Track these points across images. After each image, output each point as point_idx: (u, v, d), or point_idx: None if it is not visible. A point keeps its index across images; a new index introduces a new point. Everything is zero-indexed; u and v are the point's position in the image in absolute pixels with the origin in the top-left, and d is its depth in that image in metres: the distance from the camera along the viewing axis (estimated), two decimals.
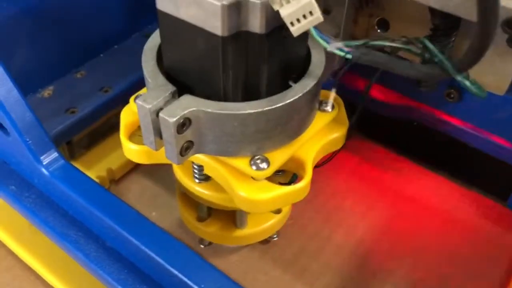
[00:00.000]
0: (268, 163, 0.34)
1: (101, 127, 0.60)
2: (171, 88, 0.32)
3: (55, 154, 0.45)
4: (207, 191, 0.41)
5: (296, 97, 0.32)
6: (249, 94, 0.32)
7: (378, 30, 0.40)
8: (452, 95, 0.49)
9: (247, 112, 0.31)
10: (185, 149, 0.32)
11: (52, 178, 0.44)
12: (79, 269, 0.45)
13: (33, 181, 0.47)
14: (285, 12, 0.27)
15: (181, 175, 0.43)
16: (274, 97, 0.32)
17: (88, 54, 0.63)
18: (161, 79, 0.33)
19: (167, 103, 0.32)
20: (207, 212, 0.46)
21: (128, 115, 0.40)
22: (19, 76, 0.43)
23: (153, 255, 0.38)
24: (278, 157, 0.34)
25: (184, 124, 0.31)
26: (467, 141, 0.53)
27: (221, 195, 0.41)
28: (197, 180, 0.42)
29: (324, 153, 0.39)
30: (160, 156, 0.37)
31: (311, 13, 0.27)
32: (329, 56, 0.34)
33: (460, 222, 0.55)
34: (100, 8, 0.61)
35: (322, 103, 0.38)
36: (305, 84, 0.33)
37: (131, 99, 0.39)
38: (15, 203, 0.47)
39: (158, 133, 0.32)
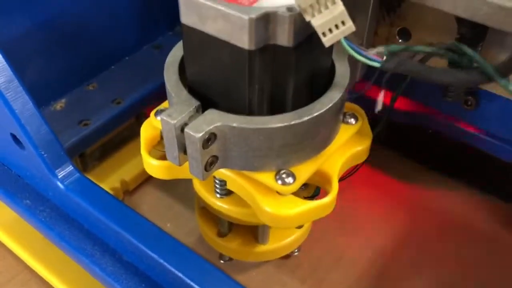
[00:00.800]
0: (294, 178, 0.33)
1: (114, 139, 0.60)
2: (195, 102, 0.32)
3: (70, 168, 0.44)
4: (228, 206, 0.41)
5: (323, 110, 0.32)
6: (275, 107, 0.32)
7: (400, 40, 0.40)
8: (469, 102, 0.48)
9: (274, 126, 0.31)
10: (210, 164, 0.32)
11: (68, 192, 0.43)
12: (95, 283, 0.44)
13: (47, 194, 0.47)
14: (317, 22, 0.27)
15: (201, 190, 0.42)
16: (301, 111, 0.32)
17: (100, 66, 0.62)
18: (185, 93, 0.33)
19: (191, 118, 0.31)
20: (228, 227, 0.45)
21: (148, 129, 0.39)
22: (31, 89, 0.43)
23: (172, 269, 0.38)
24: (304, 171, 0.34)
25: (209, 139, 0.31)
26: (483, 148, 0.52)
27: (243, 210, 0.40)
28: (218, 195, 0.41)
29: (349, 166, 0.38)
30: (183, 172, 0.37)
31: (343, 23, 0.27)
32: (352, 67, 0.34)
33: (479, 231, 0.54)
34: (112, 21, 0.61)
35: (346, 115, 0.37)
36: (332, 97, 0.33)
37: (152, 113, 0.39)
38: (30, 217, 0.46)
39: (182, 149, 0.32)
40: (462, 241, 0.53)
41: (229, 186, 0.37)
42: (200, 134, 0.30)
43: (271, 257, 0.47)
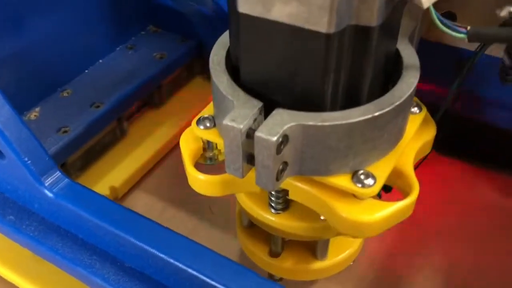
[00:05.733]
0: (374, 178, 0.29)
1: (95, 146, 0.56)
2: (257, 103, 0.28)
3: (57, 173, 0.41)
4: (286, 221, 0.36)
5: (405, 97, 0.29)
6: (349, 100, 0.29)
7: None
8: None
9: (355, 120, 0.28)
10: (281, 172, 0.29)
11: (58, 200, 0.40)
12: None
13: (33, 207, 0.43)
14: None
15: (252, 206, 0.38)
16: (380, 101, 0.29)
17: (73, 71, 0.59)
18: (242, 94, 0.29)
19: (256, 121, 0.28)
20: (282, 245, 0.41)
21: (189, 141, 0.36)
22: None
23: (186, 268, 0.34)
24: (383, 170, 0.30)
25: (281, 143, 0.27)
26: None
27: (304, 225, 0.36)
28: (273, 210, 0.37)
29: (416, 161, 0.35)
30: (238, 186, 0.34)
31: None
32: None
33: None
34: (82, 24, 0.58)
35: None
36: (409, 81, 0.30)
37: (193, 122, 0.34)
38: (16, 234, 0.42)
39: (246, 157, 0.29)
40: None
41: (294, 196, 0.33)
42: (275, 138, 0.26)
43: (329, 273, 0.42)
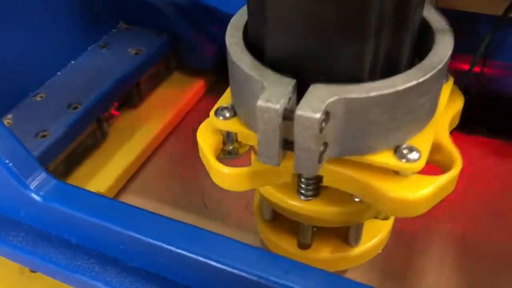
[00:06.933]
0: (418, 152, 0.28)
1: (77, 150, 0.53)
2: (290, 81, 0.26)
3: (43, 174, 0.37)
4: (320, 208, 0.34)
5: (445, 60, 0.27)
6: (388, 69, 0.27)
7: None
8: None
9: (401, 88, 0.26)
10: (321, 154, 0.26)
11: (47, 202, 0.36)
12: None
13: (18, 215, 0.39)
14: None
15: (279, 196, 0.35)
16: (421, 66, 0.27)
17: (43, 74, 0.55)
18: (272, 74, 0.27)
19: (290, 101, 0.26)
20: (311, 236, 0.38)
21: (208, 134, 0.33)
22: None
23: (197, 257, 0.32)
24: (425, 143, 0.28)
25: (323, 121, 0.25)
26: None
27: (338, 209, 0.34)
28: (303, 197, 0.34)
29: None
30: (269, 176, 0.31)
31: None
32: None
33: None
34: (50, 25, 0.55)
35: None
36: (445, 45, 0.28)
37: (211, 113, 0.32)
38: (3, 247, 0.38)
39: (282, 142, 0.26)
40: None
41: (329, 182, 0.31)
42: (318, 114, 0.24)
43: (363, 260, 0.40)
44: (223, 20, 0.33)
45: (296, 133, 0.25)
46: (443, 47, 0.28)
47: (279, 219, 0.39)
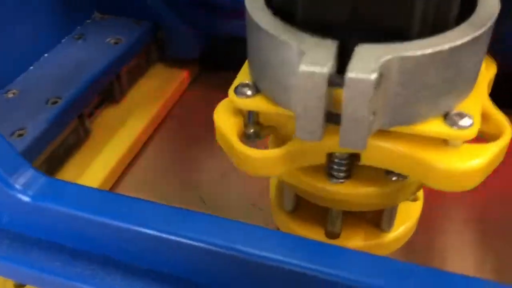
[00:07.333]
0: (470, 117, 0.25)
1: (58, 150, 0.48)
2: (332, 42, 0.23)
3: (31, 171, 0.32)
4: (355, 190, 0.30)
5: (495, 15, 0.24)
6: (436, 26, 0.24)
7: None
8: None
9: (458, 43, 0.23)
10: (370, 125, 0.23)
11: (37, 203, 0.31)
12: None
13: (0, 222, 0.34)
14: None
15: (308, 181, 0.31)
16: (472, 21, 0.24)
17: (14, 69, 0.50)
18: (308, 37, 0.23)
19: (334, 65, 0.22)
20: (341, 224, 0.35)
21: (227, 115, 0.29)
22: None
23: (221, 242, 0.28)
24: (475, 108, 0.25)
25: (377, 85, 0.22)
26: None
27: (375, 190, 0.30)
28: (335, 180, 0.30)
29: None
30: (303, 156, 0.28)
31: None
32: None
33: None
34: (21, 17, 0.50)
35: None
36: (494, 2, 0.25)
37: (230, 91, 0.28)
38: None
39: (325, 113, 0.23)
40: None
41: (368, 159, 0.28)
42: (374, 76, 0.21)
43: (396, 246, 0.36)
44: (208, 4, 0.29)
45: (345, 101, 0.22)
46: (491, 2, 0.26)
47: (302, 209, 0.36)
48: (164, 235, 0.29)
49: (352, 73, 0.21)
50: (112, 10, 0.59)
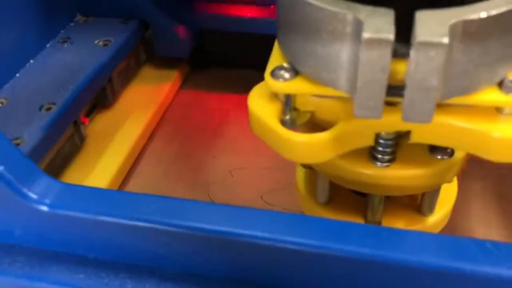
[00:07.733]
0: None
1: (55, 160, 0.45)
2: (388, 11, 0.21)
3: (45, 178, 0.30)
4: (403, 172, 0.29)
5: None
6: None
7: None
8: None
9: None
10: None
11: (56, 211, 0.29)
12: None
13: (11, 236, 0.31)
14: None
15: (350, 167, 0.29)
16: None
17: (1, 78, 0.47)
18: (361, 6, 0.22)
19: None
20: (381, 212, 0.33)
21: (263, 101, 0.27)
22: None
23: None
24: None
25: (450, 49, 0.20)
26: None
27: (423, 172, 0.29)
28: (379, 164, 0.29)
29: None
30: (351, 140, 0.26)
31: None
32: None
33: None
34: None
35: None
36: None
37: (267, 74, 0.26)
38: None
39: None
40: None
41: (418, 137, 0.26)
42: (447, 39, 0.19)
43: (437, 230, 0.35)
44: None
45: (413, 69, 0.20)
46: None
47: (336, 200, 0.34)
48: (213, 235, 0.27)
49: (424, 37, 0.20)
50: (95, 12, 0.56)
